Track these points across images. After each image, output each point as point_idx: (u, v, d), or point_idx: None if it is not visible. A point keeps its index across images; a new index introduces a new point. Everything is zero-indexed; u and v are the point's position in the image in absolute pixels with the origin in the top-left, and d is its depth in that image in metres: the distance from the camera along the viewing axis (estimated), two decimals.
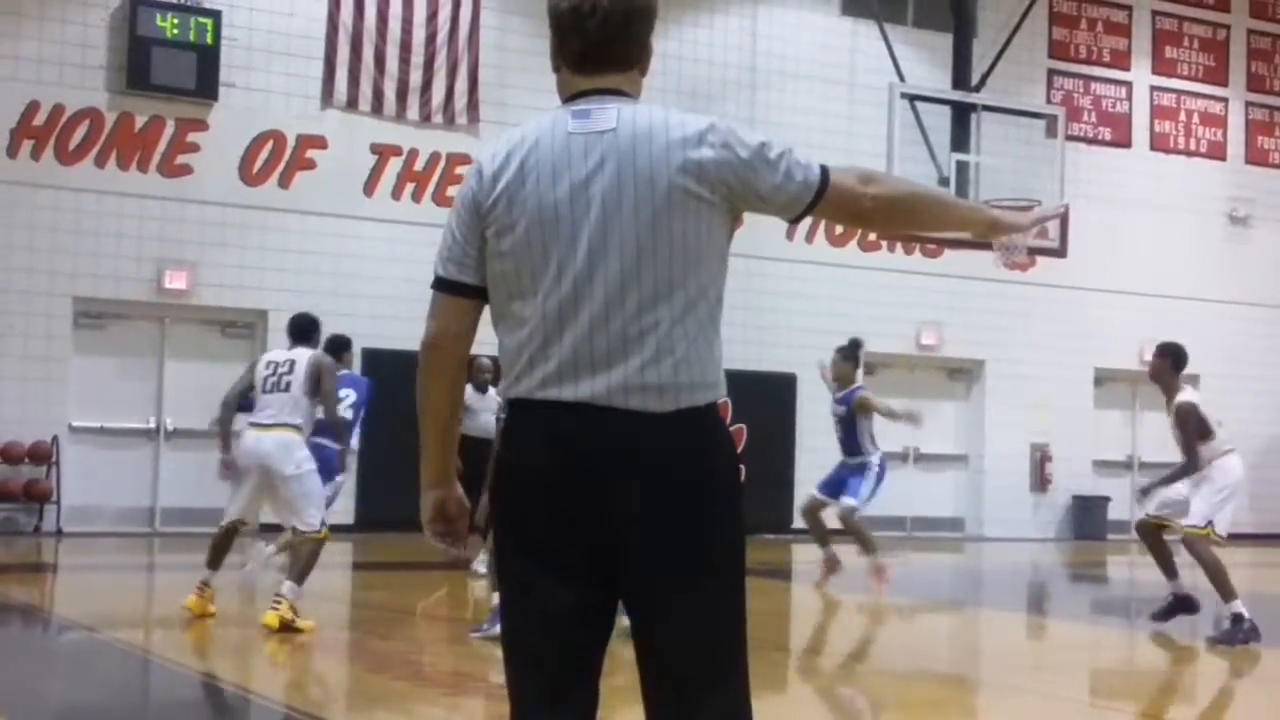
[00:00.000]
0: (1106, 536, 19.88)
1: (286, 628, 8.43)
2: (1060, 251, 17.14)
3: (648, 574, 2.85)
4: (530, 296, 2.88)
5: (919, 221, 3.00)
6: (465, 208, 2.95)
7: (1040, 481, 20.38)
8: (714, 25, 19.00)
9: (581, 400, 2.83)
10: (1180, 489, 9.67)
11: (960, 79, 17.95)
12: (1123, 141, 21.59)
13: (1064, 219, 16.96)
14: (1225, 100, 22.47)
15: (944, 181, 17.04)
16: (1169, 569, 9.83)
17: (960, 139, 16.97)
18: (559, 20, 2.96)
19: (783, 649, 8.74)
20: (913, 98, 16.71)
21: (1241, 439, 19.77)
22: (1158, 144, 21.90)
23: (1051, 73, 21.07)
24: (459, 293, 2.97)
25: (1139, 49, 21.85)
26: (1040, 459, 20.28)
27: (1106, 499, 20.35)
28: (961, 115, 16.96)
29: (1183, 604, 9.85)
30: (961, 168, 16.79)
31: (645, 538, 2.83)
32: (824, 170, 2.99)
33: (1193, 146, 22.18)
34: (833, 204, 2.98)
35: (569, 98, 2.97)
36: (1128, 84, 21.73)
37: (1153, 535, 9.82)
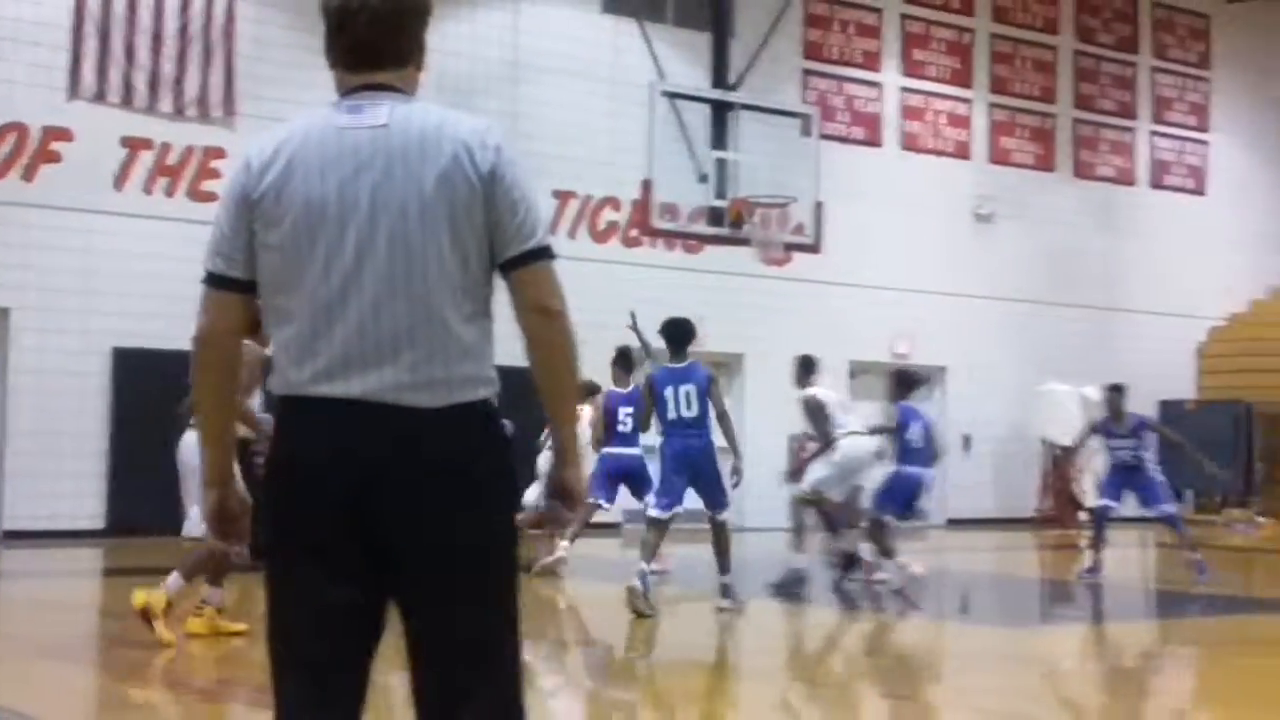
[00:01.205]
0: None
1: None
2: (815, 247, 17.57)
3: (418, 571, 2.85)
4: (298, 291, 2.87)
5: (561, 373, 2.97)
6: (233, 201, 2.93)
7: (796, 473, 20.83)
8: (476, 20, 18.92)
9: (353, 397, 2.84)
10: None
11: (719, 78, 18.27)
12: (874, 141, 22.26)
13: (818, 215, 17.40)
14: (970, 101, 23.35)
15: (703, 178, 17.34)
16: (835, 531, 12.16)
17: (719, 137, 17.26)
18: (329, 17, 2.97)
19: (551, 642, 8.78)
20: (673, 95, 16.94)
21: (986, 427, 20.64)
22: (907, 143, 22.64)
23: (806, 73, 21.60)
24: (227, 287, 2.95)
25: (889, 51, 22.56)
26: (797, 450, 20.76)
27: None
28: (720, 114, 17.25)
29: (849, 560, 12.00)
30: (720, 165, 17.07)
31: (415, 534, 2.83)
32: (550, 249, 2.99)
33: (940, 146, 22.99)
34: (533, 278, 2.94)
35: (343, 94, 2.98)
36: (879, 85, 22.41)
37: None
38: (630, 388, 12.73)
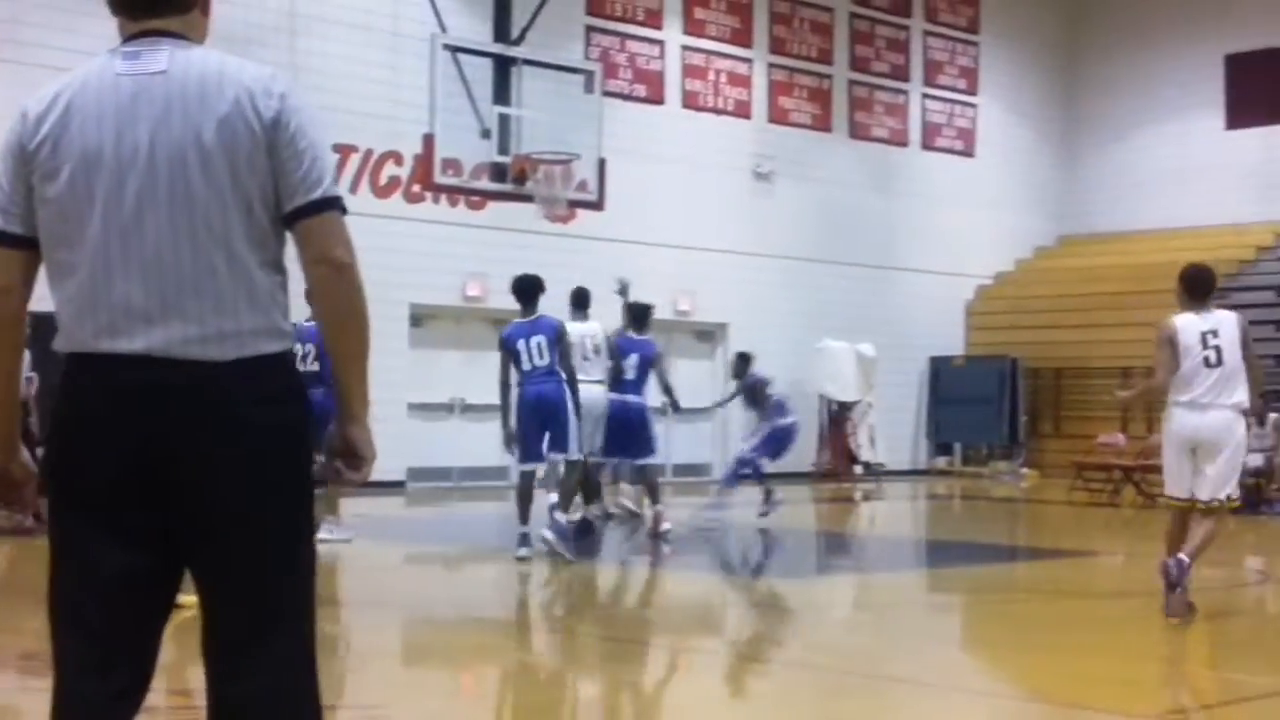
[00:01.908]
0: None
1: None
2: (598, 204, 17.61)
3: (206, 532, 2.80)
4: (78, 245, 2.79)
5: (348, 327, 2.89)
6: (9, 153, 2.85)
7: None
8: None
9: (137, 352, 2.76)
10: None
11: (501, 32, 18.10)
12: (656, 98, 22.37)
13: (601, 172, 17.43)
14: (750, 61, 23.64)
15: (486, 134, 17.20)
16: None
17: (502, 92, 17.13)
18: None
19: (332, 603, 8.66)
20: (454, 49, 16.74)
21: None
22: (689, 101, 22.81)
23: (589, 29, 21.57)
24: (6, 243, 2.85)
25: (671, 9, 22.65)
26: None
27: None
28: (503, 69, 17.11)
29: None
30: (503, 121, 16.96)
31: (204, 494, 2.78)
32: (338, 200, 2.92)
33: (721, 105, 23.23)
34: (319, 229, 2.86)
35: (123, 41, 2.89)
36: (661, 43, 22.51)
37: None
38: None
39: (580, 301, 12.95)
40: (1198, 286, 8.69)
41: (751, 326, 22.15)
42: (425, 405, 19.10)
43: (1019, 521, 17.78)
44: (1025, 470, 23.56)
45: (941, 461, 25.19)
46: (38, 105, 2.85)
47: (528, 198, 17.31)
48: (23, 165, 2.83)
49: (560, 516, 10.92)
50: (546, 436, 10.75)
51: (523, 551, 10.80)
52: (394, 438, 18.73)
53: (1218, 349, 8.37)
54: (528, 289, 11.35)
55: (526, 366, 10.82)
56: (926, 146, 26.07)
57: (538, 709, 6.51)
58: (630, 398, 12.52)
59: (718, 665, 7.57)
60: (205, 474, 2.77)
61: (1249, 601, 10.68)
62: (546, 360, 10.78)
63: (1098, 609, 9.78)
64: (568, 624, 8.93)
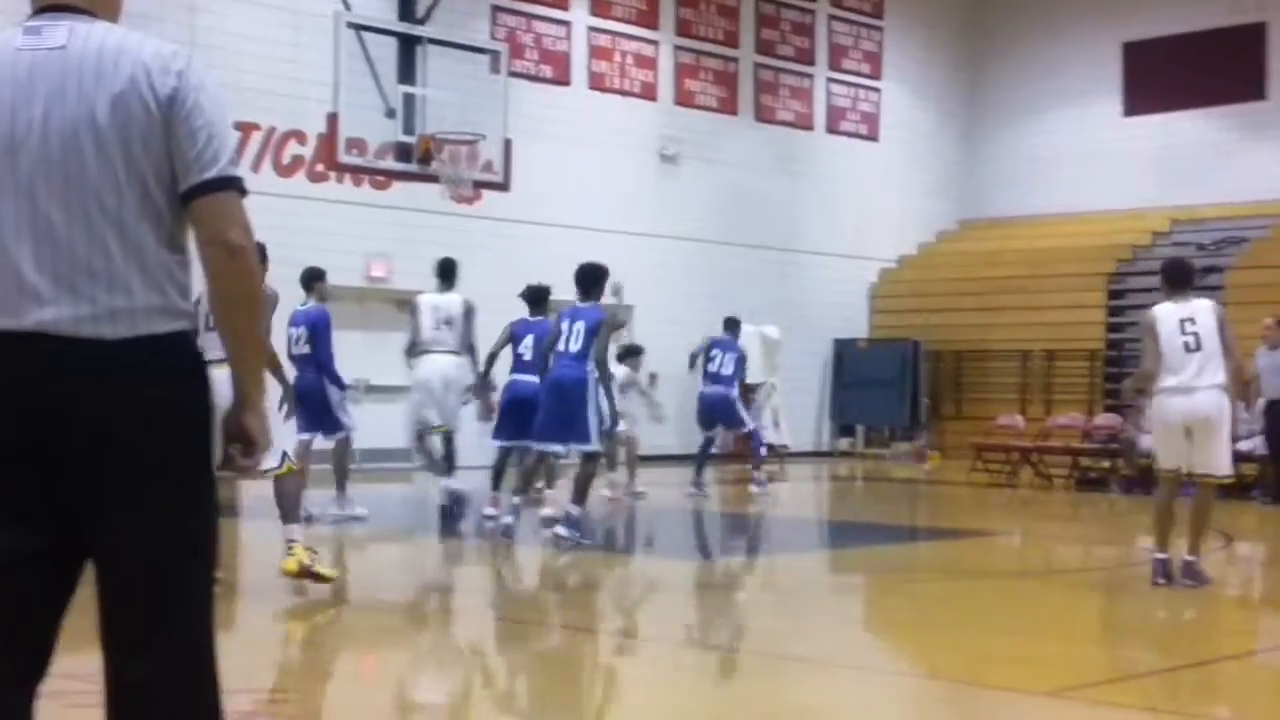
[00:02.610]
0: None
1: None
2: (504, 185, 17.60)
3: (101, 508, 2.77)
4: None
5: (242, 310, 2.86)
6: None
7: (484, 411, 20.85)
8: None
9: (29, 329, 2.73)
10: None
11: (406, 11, 18.00)
12: (563, 80, 22.32)
13: (507, 153, 17.40)
14: (656, 43, 23.65)
15: (391, 113, 17.09)
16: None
17: (407, 71, 17.05)
18: None
19: (231, 586, 8.59)
20: (359, 27, 16.62)
21: (669, 365, 21.07)
22: (595, 83, 22.78)
23: (495, 9, 21.45)
24: None
25: None
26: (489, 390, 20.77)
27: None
28: (408, 48, 17.03)
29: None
30: (409, 100, 16.88)
31: (97, 470, 2.75)
32: (237, 180, 2.87)
33: (628, 86, 23.22)
34: (214, 210, 2.82)
35: (30, 15, 2.87)
36: (567, 24, 22.45)
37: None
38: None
39: (446, 273, 12.98)
40: (1176, 277, 9.07)
41: (657, 309, 22.21)
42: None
43: (920, 502, 18.01)
44: (929, 452, 23.87)
45: (844, 443, 25.44)
46: None
47: (433, 178, 17.25)
48: None
49: (576, 511, 10.74)
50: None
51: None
52: (279, 421, 18.63)
53: (1196, 334, 8.72)
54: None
55: (560, 348, 10.91)
56: (831, 130, 26.25)
57: (437, 693, 6.51)
58: (528, 378, 12.39)
59: (618, 646, 7.61)
60: (98, 453, 2.74)
61: (1141, 581, 10.91)
62: (578, 346, 10.77)
63: (995, 588, 9.95)
64: (468, 606, 8.92)
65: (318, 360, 12.06)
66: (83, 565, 2.87)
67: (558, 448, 11.06)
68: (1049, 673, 6.58)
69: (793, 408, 24.39)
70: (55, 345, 2.73)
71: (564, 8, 22.38)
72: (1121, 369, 23.07)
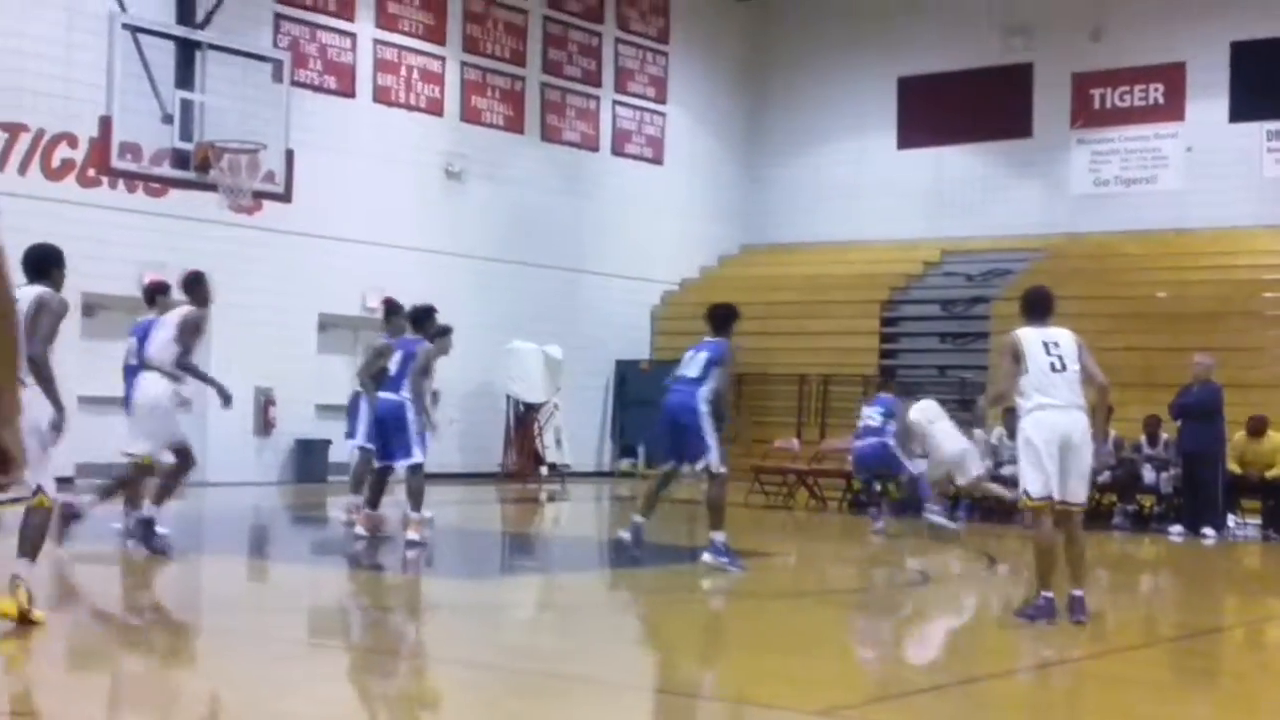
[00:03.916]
0: (327, 478, 20.33)
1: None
2: (285, 196, 17.28)
3: None
4: None
5: None
6: None
7: (264, 425, 20.47)
8: None
9: None
10: None
11: (185, 15, 17.55)
12: (348, 91, 22.02)
13: (289, 164, 17.09)
14: (443, 59, 23.51)
15: (168, 119, 16.63)
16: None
17: (185, 77, 16.63)
18: None
19: None
20: (135, 29, 16.14)
21: (454, 384, 20.91)
22: (380, 96, 22.54)
23: (279, 17, 21.06)
24: None
25: (363, 1, 22.34)
26: (264, 403, 20.38)
27: (328, 441, 20.77)
28: (187, 52, 16.61)
29: None
30: (186, 106, 16.46)
31: None
32: None
33: (414, 101, 23.03)
34: None
35: None
36: (353, 35, 22.17)
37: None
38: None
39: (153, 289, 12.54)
40: (1037, 306, 9.16)
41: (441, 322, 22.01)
42: (96, 399, 18.28)
43: (699, 523, 18.20)
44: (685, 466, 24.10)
45: (626, 463, 25.59)
46: None
47: (211, 187, 16.84)
48: None
49: (719, 537, 11.12)
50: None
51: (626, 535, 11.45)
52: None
53: (1060, 357, 8.81)
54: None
55: (678, 373, 11.31)
56: (617, 152, 26.44)
57: (197, 715, 6.32)
58: (388, 395, 12.29)
59: (395, 666, 7.50)
60: None
61: (910, 600, 11.20)
62: (694, 373, 11.16)
63: (770, 608, 10.11)
64: (234, 625, 8.69)
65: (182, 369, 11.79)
66: None
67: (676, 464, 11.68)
68: (820, 691, 6.70)
69: (575, 428, 24.45)
70: None
71: (350, 19, 22.10)
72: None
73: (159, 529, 11.10)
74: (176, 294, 12.31)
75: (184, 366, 11.35)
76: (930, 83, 26.73)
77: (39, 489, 7.39)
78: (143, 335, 12.01)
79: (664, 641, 8.78)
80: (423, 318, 12.74)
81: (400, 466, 12.31)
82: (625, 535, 11.57)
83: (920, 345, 24.38)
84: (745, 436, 24.24)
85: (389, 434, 12.23)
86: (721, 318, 11.68)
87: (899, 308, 24.97)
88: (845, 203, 27.25)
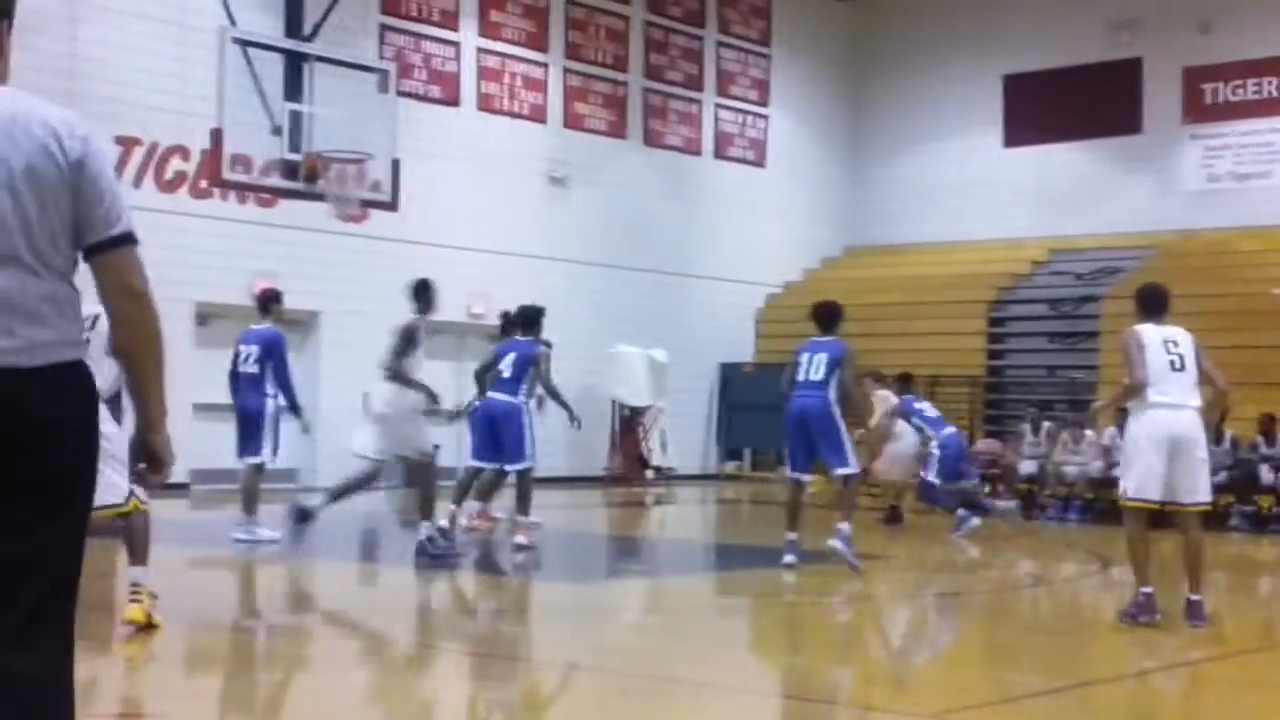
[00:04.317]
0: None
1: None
2: (392, 205, 17.46)
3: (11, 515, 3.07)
4: None
5: (147, 348, 3.29)
6: None
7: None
8: None
9: None
10: None
11: (293, 28, 17.81)
12: (452, 100, 22.23)
13: (395, 173, 17.28)
14: (546, 66, 23.65)
15: (277, 130, 16.90)
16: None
17: (294, 89, 16.86)
18: None
19: (109, 609, 8.39)
20: (244, 43, 16.41)
21: (558, 389, 20.96)
22: (484, 104, 22.72)
23: (384, 28, 21.32)
24: None
25: (466, 10, 22.54)
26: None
27: (435, 447, 20.89)
28: (295, 65, 16.85)
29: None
30: (295, 117, 16.69)
31: (13, 480, 3.06)
32: (133, 235, 3.27)
33: (517, 108, 23.19)
34: (118, 262, 3.22)
35: None
36: (456, 44, 22.38)
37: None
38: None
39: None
40: (1154, 302, 8.93)
41: (545, 330, 22.14)
42: (211, 406, 18.61)
43: (805, 527, 18.13)
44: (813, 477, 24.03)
45: (731, 466, 25.54)
46: None
47: (319, 197, 17.06)
48: None
49: (844, 526, 11.09)
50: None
51: (789, 559, 11.15)
52: (178, 439, 18.16)
53: (1180, 356, 8.60)
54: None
55: (801, 378, 11.19)
56: (719, 155, 26.43)
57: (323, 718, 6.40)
58: (502, 396, 12.40)
59: (504, 669, 7.55)
60: (12, 467, 3.07)
61: (1022, 604, 11.07)
62: (819, 375, 11.11)
63: (879, 611, 10.03)
64: (353, 628, 8.81)
65: (278, 382, 12.10)
66: None
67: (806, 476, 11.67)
68: (933, 695, 6.64)
69: (680, 431, 24.46)
70: None
71: (453, 29, 22.32)
72: (1003, 395, 23.47)
73: (437, 540, 11.24)
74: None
75: (392, 372, 11.47)
76: (1036, 79, 26.40)
77: (131, 493, 7.54)
78: (267, 343, 12.18)
79: (773, 644, 8.74)
80: (534, 319, 12.81)
81: (511, 470, 12.38)
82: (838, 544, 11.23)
83: (1028, 345, 24.07)
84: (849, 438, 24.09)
85: (501, 436, 12.27)
86: (830, 316, 11.61)
87: (1006, 308, 24.68)
88: (950, 202, 26.99)
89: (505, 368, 12.38)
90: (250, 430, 12.23)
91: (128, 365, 3.29)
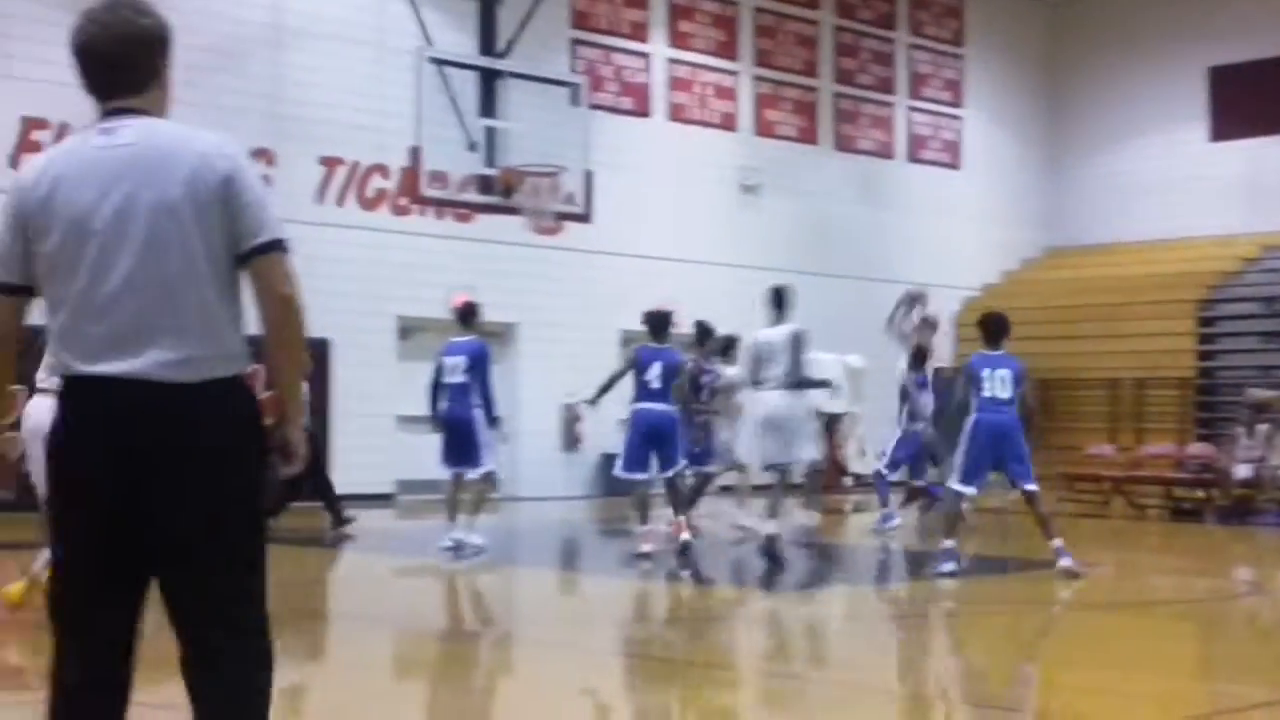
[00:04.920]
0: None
1: None
2: (585, 217, 17.62)
3: (179, 532, 3.29)
4: (68, 288, 3.33)
5: (289, 348, 3.47)
6: (8, 218, 3.41)
7: (571, 440, 20.92)
8: None
9: (117, 374, 3.28)
10: None
11: (487, 45, 18.12)
12: (643, 111, 22.36)
13: (588, 185, 17.45)
14: (736, 74, 23.64)
15: (472, 146, 17.21)
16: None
17: (488, 105, 17.15)
18: (73, 57, 3.45)
19: (317, 616, 8.63)
20: (440, 62, 16.74)
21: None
22: (675, 114, 22.80)
23: (575, 42, 21.56)
24: (7, 292, 3.41)
25: (656, 22, 22.66)
26: (571, 419, 20.81)
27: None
28: (489, 81, 17.14)
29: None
30: (490, 133, 16.98)
31: (175, 499, 3.28)
32: (284, 241, 3.45)
33: (708, 117, 23.22)
34: (268, 268, 3.41)
35: (99, 118, 3.44)
36: (646, 56, 22.51)
37: None
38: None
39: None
40: None
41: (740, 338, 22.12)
42: (414, 418, 19.04)
43: (1009, 532, 17.76)
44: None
45: (932, 473, 25.13)
46: (30, 176, 3.40)
47: (515, 210, 17.31)
48: (21, 228, 3.38)
49: (949, 543, 11.11)
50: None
51: (951, 566, 11.03)
52: (382, 451, 18.72)
53: None
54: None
55: (986, 394, 11.17)
56: (913, 159, 26.09)
57: None
58: (657, 406, 12.35)
59: (702, 676, 7.53)
60: (171, 483, 3.28)
61: (1239, 613, 10.67)
62: (1007, 393, 11.17)
63: (1087, 620, 9.76)
64: (564, 638, 8.87)
65: (482, 393, 12.30)
66: (148, 584, 3.38)
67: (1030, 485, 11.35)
68: (1146, 707, 6.43)
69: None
70: (138, 388, 3.28)
71: (643, 40, 22.45)
72: (1214, 397, 22.67)
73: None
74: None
75: (795, 379, 11.78)
76: (1244, 71, 25.46)
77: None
78: (474, 354, 12.31)
79: (979, 654, 8.57)
80: (662, 325, 12.72)
81: (668, 475, 12.26)
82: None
83: (1240, 345, 23.20)
84: (1054, 443, 23.55)
85: (662, 446, 12.16)
86: (1001, 328, 11.63)
87: (1216, 307, 23.83)
88: (1155, 199, 26.19)
89: (653, 378, 12.25)
90: (465, 441, 12.25)
91: (273, 364, 3.47)
